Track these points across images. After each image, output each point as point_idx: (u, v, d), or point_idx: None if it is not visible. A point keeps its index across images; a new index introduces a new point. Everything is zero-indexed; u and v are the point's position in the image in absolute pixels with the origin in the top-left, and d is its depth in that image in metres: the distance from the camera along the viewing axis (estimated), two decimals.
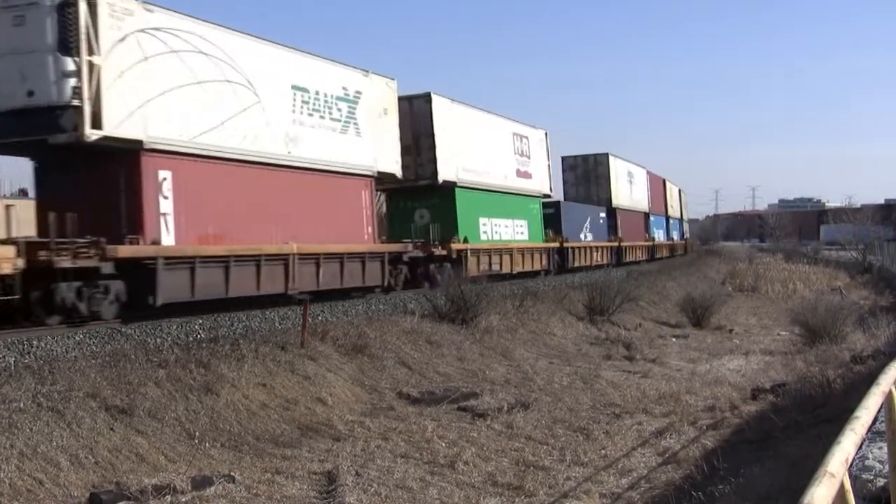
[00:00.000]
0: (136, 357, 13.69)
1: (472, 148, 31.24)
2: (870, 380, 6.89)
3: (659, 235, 64.59)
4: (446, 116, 29.52)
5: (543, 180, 39.16)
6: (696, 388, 18.38)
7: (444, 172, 28.84)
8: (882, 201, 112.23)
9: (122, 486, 10.17)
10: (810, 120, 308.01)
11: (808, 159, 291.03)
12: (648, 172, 60.67)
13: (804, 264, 62.36)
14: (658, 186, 65.32)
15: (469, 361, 19.68)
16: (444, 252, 28.19)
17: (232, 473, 11.05)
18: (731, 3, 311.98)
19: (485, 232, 32.07)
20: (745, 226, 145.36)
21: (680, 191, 79.98)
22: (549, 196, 40.07)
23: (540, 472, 12.19)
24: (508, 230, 34.22)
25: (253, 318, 18.40)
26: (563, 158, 50.06)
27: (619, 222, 50.50)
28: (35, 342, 13.74)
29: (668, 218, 69.15)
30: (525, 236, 35.78)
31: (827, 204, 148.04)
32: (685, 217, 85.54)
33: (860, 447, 6.23)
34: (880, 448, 7.17)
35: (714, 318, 32.57)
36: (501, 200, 33.78)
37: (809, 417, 13.50)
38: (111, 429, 11.51)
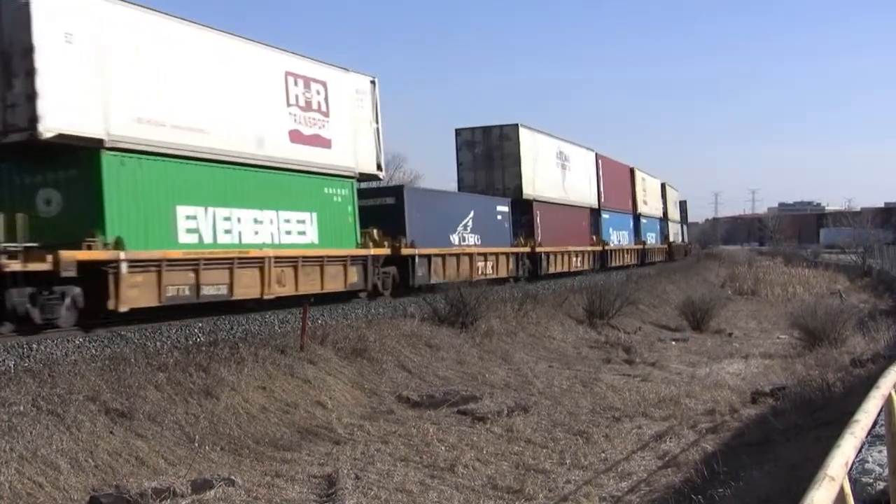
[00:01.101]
0: (136, 360, 13.69)
1: (169, 84, 18.53)
2: (869, 383, 6.89)
3: (620, 238, 52.08)
4: (88, 18, 16.55)
5: (363, 153, 25.39)
6: (695, 392, 18.38)
7: (70, 121, 15.99)
8: (882, 204, 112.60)
9: (121, 489, 10.17)
10: (810, 122, 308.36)
11: (808, 162, 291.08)
12: (600, 157, 47.83)
13: (804, 268, 62.32)
14: (619, 176, 53.33)
15: (469, 365, 19.68)
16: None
17: (232, 477, 11.04)
18: (729, 5, 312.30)
19: (193, 231, 19.00)
20: (745, 229, 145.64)
21: (665, 185, 70.12)
22: (376, 178, 27.60)
23: (540, 476, 12.19)
24: (267, 229, 21.15)
25: (252, 322, 18.41)
26: (458, 132, 37.39)
27: (536, 220, 37.55)
28: (35, 346, 13.77)
29: (638, 217, 57.32)
30: (310, 238, 22.76)
31: (827, 207, 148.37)
32: (674, 217, 75.39)
33: (860, 450, 6.24)
34: (880, 451, 7.18)
35: (714, 321, 32.58)
36: (248, 180, 20.77)
37: (809, 421, 13.49)
38: (111, 432, 11.51)
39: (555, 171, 40.70)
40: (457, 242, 31.22)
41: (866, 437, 6.05)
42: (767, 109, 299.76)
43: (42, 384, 11.89)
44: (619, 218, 51.76)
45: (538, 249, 36.98)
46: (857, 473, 6.84)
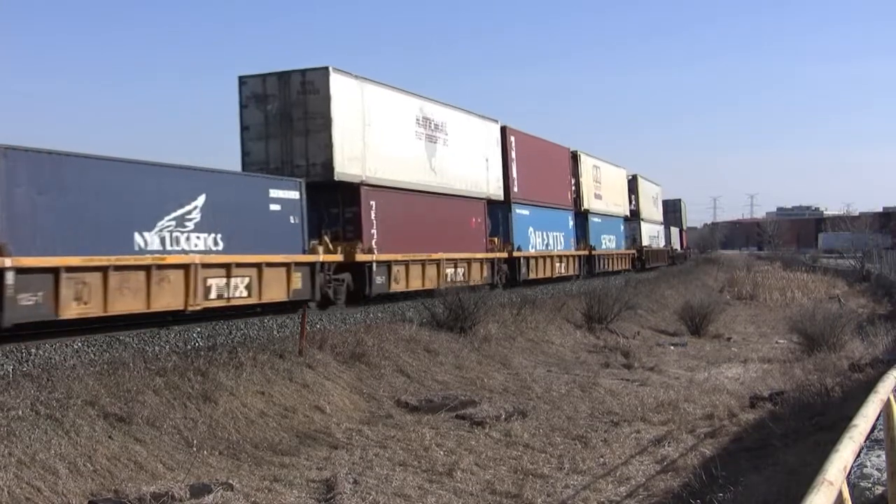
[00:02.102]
0: (135, 365, 13.69)
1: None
2: (868, 388, 6.90)
3: (549, 242, 39.19)
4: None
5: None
6: (694, 397, 18.37)
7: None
8: (880, 209, 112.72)
9: (120, 493, 10.17)
10: (809, 127, 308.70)
11: (806, 167, 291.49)
12: (511, 131, 35.61)
13: (802, 272, 62.41)
14: (548, 161, 40.10)
15: (467, 369, 19.68)
16: None
17: (230, 481, 11.04)
18: (728, 10, 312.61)
19: None
20: (744, 234, 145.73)
21: (636, 178, 60.20)
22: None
23: (538, 480, 12.19)
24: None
25: (251, 326, 18.41)
26: (242, 81, 24.17)
27: (366, 215, 24.51)
28: (34, 350, 13.76)
29: (584, 214, 45.59)
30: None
31: (825, 212, 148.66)
32: (651, 216, 65.39)
33: (858, 455, 6.24)
34: (878, 456, 7.19)
35: (712, 326, 32.58)
36: None
37: (808, 425, 13.49)
38: (109, 437, 11.50)
39: (412, 145, 27.60)
40: (150, 246, 22.24)
41: (865, 441, 6.05)
42: (766, 114, 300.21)
43: (41, 389, 11.89)
44: (547, 215, 38.87)
45: (363, 258, 23.84)
46: (855, 478, 6.85)
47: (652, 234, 64.94)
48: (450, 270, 28.74)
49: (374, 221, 24.81)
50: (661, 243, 69.28)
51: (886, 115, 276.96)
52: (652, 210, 65.86)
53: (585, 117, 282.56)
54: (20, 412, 11.04)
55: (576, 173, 45.12)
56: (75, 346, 14.49)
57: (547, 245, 39.01)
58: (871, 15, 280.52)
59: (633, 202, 58.50)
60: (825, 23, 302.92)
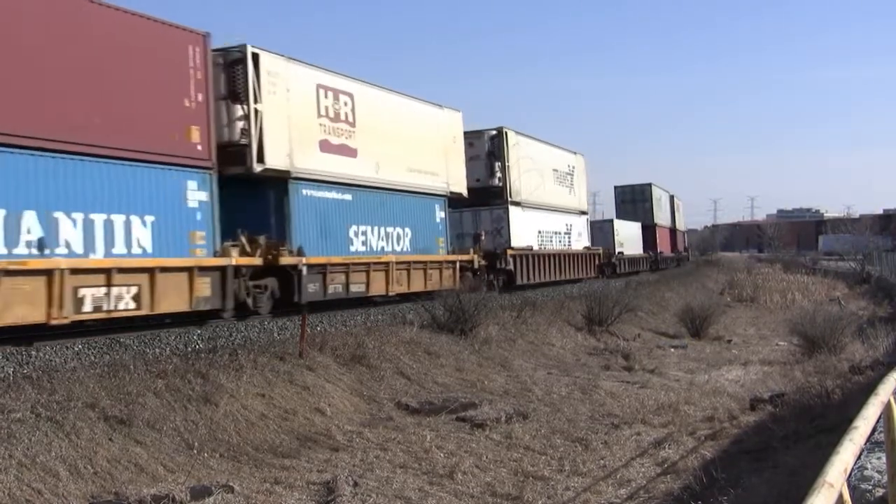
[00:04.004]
0: (135, 367, 13.69)
1: None
2: (868, 390, 6.91)
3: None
4: None
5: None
6: (694, 399, 18.37)
7: None
8: (881, 211, 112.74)
9: (120, 496, 10.17)
10: (809, 130, 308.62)
11: (806, 169, 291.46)
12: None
13: (803, 275, 62.41)
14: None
15: (468, 372, 19.68)
16: None
17: (231, 483, 11.04)
18: (727, 12, 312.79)
19: None
20: (744, 236, 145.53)
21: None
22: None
23: (539, 483, 12.19)
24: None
25: (251, 329, 18.42)
26: None
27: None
28: (34, 352, 13.77)
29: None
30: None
31: (826, 214, 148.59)
32: (567, 204, 43.94)
33: (859, 457, 6.24)
34: (879, 458, 7.19)
35: (713, 328, 32.56)
36: None
37: (808, 427, 13.50)
38: (110, 439, 11.50)
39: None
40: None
41: (865, 443, 6.06)
42: (766, 117, 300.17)
43: (41, 391, 11.89)
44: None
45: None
46: (856, 480, 6.86)
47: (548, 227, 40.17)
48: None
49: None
50: (588, 242, 47.10)
51: (887, 117, 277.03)
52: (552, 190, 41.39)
53: (585, 120, 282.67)
54: (20, 414, 11.04)
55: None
56: (76, 349, 14.50)
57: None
58: (873, 18, 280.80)
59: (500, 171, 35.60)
60: (826, 25, 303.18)
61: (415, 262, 26.81)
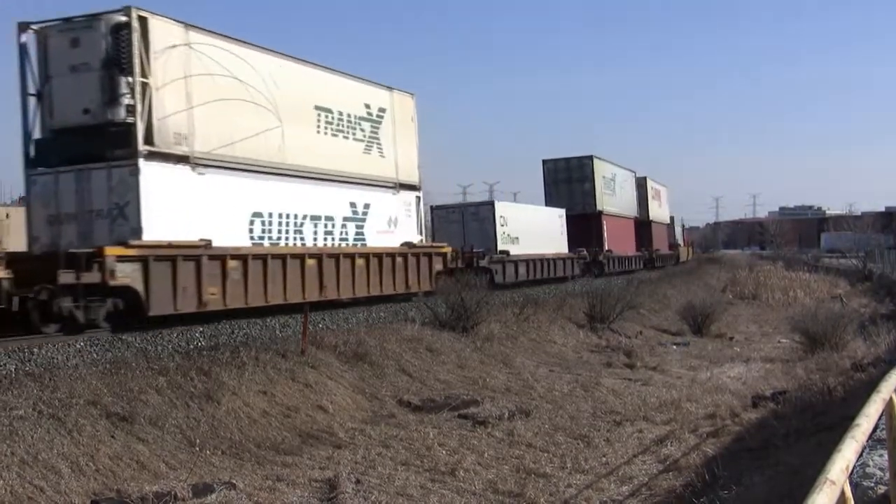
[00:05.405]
0: (137, 364, 13.70)
1: None
2: (870, 387, 6.90)
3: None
4: None
5: None
6: (696, 396, 18.37)
7: None
8: (882, 209, 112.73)
9: (122, 493, 10.18)
10: (811, 127, 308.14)
11: (808, 167, 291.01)
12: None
13: (804, 272, 62.34)
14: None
15: (470, 369, 19.68)
16: None
17: (233, 481, 11.05)
18: (730, 8, 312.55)
19: None
20: (746, 233, 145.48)
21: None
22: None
23: (541, 480, 12.19)
24: None
25: (253, 326, 18.42)
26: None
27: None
28: (36, 350, 13.79)
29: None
30: None
31: (827, 212, 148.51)
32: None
33: (861, 454, 6.24)
34: (881, 455, 7.19)
35: (714, 325, 32.57)
36: None
37: (810, 425, 13.49)
38: (112, 436, 11.51)
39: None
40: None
41: (867, 441, 6.05)
42: (768, 114, 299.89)
43: (43, 388, 11.90)
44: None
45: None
46: (857, 478, 6.85)
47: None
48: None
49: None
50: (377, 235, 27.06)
51: (889, 114, 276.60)
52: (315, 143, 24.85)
53: (585, 116, 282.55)
54: (23, 412, 11.05)
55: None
56: (77, 346, 14.51)
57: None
58: (874, 13, 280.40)
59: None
60: (826, 21, 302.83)
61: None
